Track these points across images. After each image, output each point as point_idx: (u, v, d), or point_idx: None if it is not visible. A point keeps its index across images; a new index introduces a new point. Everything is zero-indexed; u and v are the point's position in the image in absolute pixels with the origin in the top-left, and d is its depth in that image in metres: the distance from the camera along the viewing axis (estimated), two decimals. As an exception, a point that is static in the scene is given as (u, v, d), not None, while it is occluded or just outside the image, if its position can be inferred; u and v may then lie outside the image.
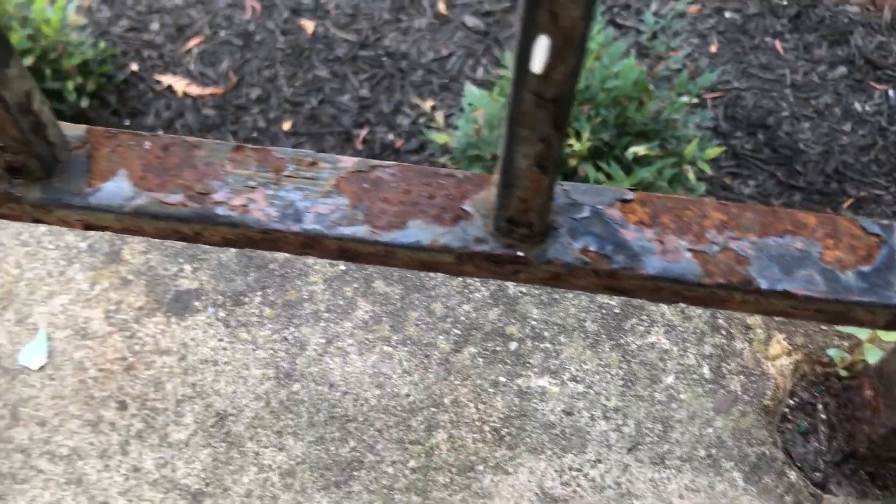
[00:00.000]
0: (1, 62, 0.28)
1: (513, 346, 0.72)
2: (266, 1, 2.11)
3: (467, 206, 0.34)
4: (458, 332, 0.71)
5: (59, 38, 1.74)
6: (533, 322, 0.75)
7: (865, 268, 0.42)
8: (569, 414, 0.71)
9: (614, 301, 0.79)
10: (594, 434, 0.71)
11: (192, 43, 2.02)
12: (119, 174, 0.28)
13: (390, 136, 1.92)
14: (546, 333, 0.74)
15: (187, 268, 0.76)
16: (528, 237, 0.37)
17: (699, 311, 0.82)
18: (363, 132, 1.92)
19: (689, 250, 0.40)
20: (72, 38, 1.78)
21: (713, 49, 2.07)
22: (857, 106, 1.98)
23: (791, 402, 0.80)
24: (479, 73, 2.02)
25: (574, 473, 0.69)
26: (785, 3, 2.14)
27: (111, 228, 0.30)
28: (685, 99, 1.61)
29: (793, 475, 0.72)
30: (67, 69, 1.76)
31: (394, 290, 0.74)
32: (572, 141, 1.47)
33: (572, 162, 1.49)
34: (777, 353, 0.81)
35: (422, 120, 1.94)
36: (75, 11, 1.96)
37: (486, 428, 0.69)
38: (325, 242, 0.29)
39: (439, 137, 1.67)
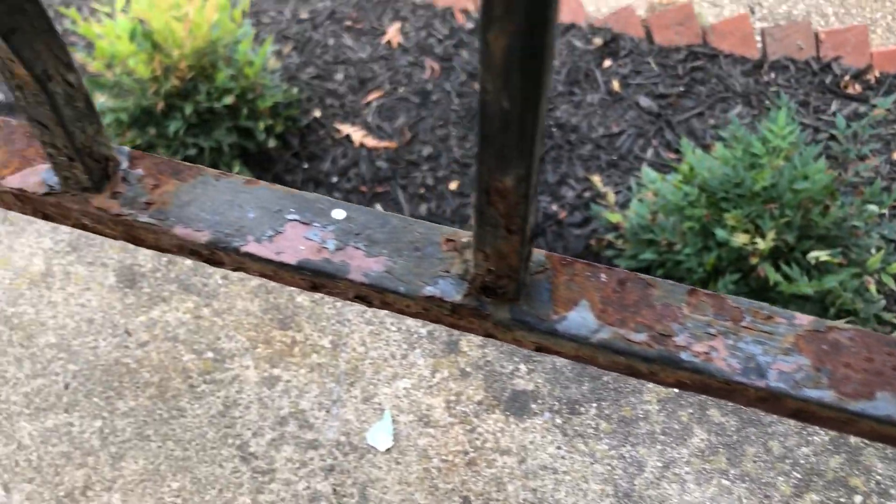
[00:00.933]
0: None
1: (857, 499, 0.70)
2: (445, 63, 2.19)
3: None
4: (799, 476, 0.69)
5: (258, 80, 1.84)
6: (878, 476, 0.72)
7: None
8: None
9: None
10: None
11: (373, 96, 2.11)
12: (581, 304, 0.29)
13: (554, 207, 1.93)
14: (893, 491, 0.71)
15: (523, 368, 0.77)
16: None
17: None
18: (526, 200, 1.94)
19: None
20: (267, 81, 1.88)
21: (895, 157, 2.00)
22: None
23: None
24: (650, 153, 2.01)
25: None
26: (977, 116, 2.05)
27: (564, 355, 0.31)
28: (874, 208, 1.56)
29: None
30: (261, 110, 1.86)
31: (729, 421, 0.74)
32: (756, 239, 1.44)
33: (753, 260, 1.46)
34: None
35: (587, 194, 1.94)
36: (273, 56, 2.08)
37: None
38: (785, 401, 0.29)
39: (612, 217, 1.67)
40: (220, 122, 1.79)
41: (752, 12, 2.40)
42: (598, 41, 2.21)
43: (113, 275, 0.67)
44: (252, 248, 0.38)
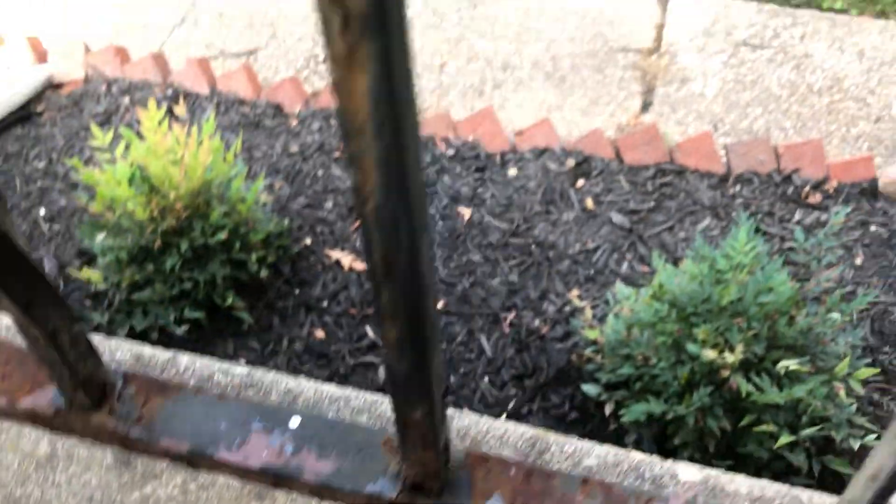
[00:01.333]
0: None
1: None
2: (429, 189, 2.31)
3: None
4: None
5: (250, 214, 1.95)
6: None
7: None
8: None
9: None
10: None
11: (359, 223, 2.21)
12: (495, 496, 0.36)
13: (536, 322, 2.01)
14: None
15: None
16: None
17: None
18: (510, 315, 2.02)
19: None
20: (259, 214, 1.99)
21: (858, 261, 2.10)
22: None
23: None
24: (624, 267, 2.11)
25: None
26: (933, 220, 2.16)
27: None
28: (836, 316, 1.64)
29: None
30: (253, 242, 1.96)
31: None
32: (725, 353, 1.52)
33: (724, 373, 1.53)
34: None
35: (567, 308, 2.03)
36: (265, 191, 2.20)
37: None
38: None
39: (590, 333, 1.75)
40: (215, 256, 1.89)
41: (716, 129, 2.55)
42: (570, 163, 2.34)
43: (111, 454, 0.73)
44: (223, 455, 0.45)
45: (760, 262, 1.63)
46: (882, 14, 2.91)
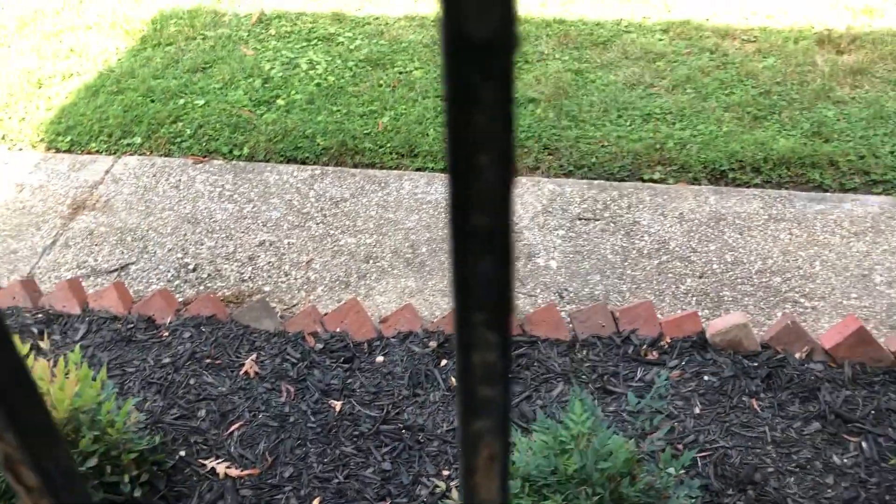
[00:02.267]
0: None
1: None
2: (300, 385, 2.42)
3: None
4: None
5: (121, 436, 2.00)
6: None
7: None
8: None
9: None
10: None
11: (234, 427, 2.29)
12: None
13: (411, 507, 2.09)
14: None
15: None
16: None
17: None
18: None
19: None
20: (131, 434, 2.04)
21: (697, 410, 2.31)
22: (836, 459, 2.16)
23: None
24: (489, 442, 2.24)
25: None
26: (756, 364, 2.42)
27: None
28: (671, 471, 1.81)
29: None
30: (126, 462, 2.00)
31: None
32: (573, 521, 1.65)
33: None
34: None
35: (438, 490, 2.13)
36: (136, 408, 2.25)
37: None
38: None
39: (455, 515, 1.85)
40: (85, 482, 1.91)
41: (561, 297, 2.80)
42: (433, 344, 2.51)
43: None
44: None
45: (598, 429, 1.81)
46: (695, 181, 3.31)
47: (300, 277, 2.91)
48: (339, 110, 3.67)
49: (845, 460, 2.16)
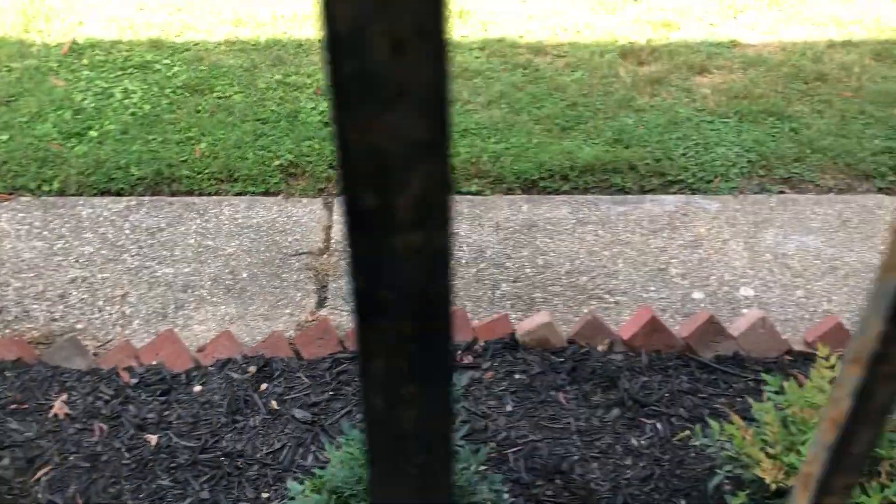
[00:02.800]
0: None
1: None
2: (114, 422, 2.35)
3: None
4: None
5: None
6: None
7: None
8: None
9: None
10: None
11: (42, 472, 2.20)
12: None
13: (230, 534, 2.08)
14: None
15: None
16: None
17: None
18: (205, 533, 2.08)
19: None
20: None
21: (509, 408, 2.43)
22: (634, 441, 2.33)
23: None
24: (310, 460, 2.27)
25: None
26: (562, 359, 2.57)
27: None
28: (473, 468, 1.90)
29: None
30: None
31: None
32: None
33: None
34: None
35: (259, 513, 2.13)
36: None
37: None
38: None
39: (266, 536, 1.86)
40: None
41: (383, 312, 2.87)
42: (252, 369, 2.51)
43: None
44: None
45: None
46: (509, 191, 3.48)
47: (115, 312, 2.83)
48: (154, 139, 3.60)
49: (642, 442, 2.34)
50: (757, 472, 1.92)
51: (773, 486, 1.89)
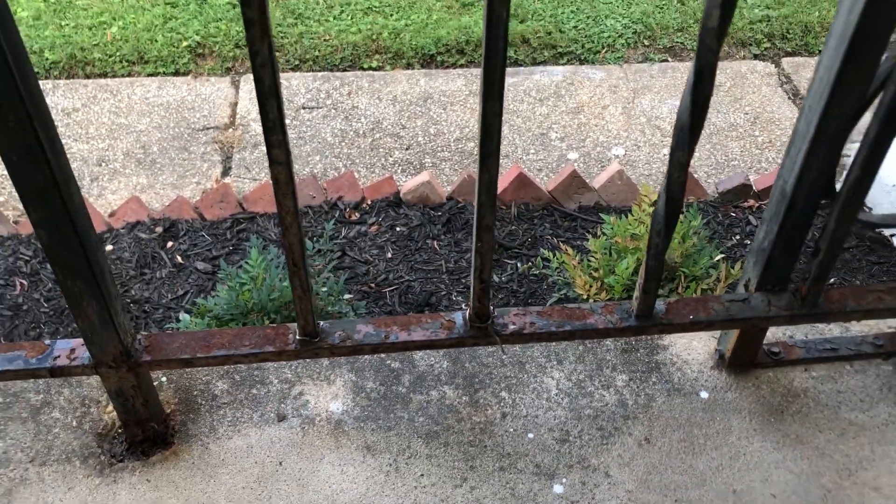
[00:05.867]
0: None
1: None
2: (33, 278, 2.63)
3: None
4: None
5: None
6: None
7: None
8: None
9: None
10: None
11: (-32, 320, 2.48)
12: None
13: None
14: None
15: None
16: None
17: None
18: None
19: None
20: None
21: (389, 255, 2.74)
22: (496, 278, 2.66)
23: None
24: (211, 302, 2.57)
25: None
26: (440, 213, 2.87)
27: None
28: (334, 295, 2.22)
29: None
30: None
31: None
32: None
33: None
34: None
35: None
36: None
37: None
38: None
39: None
40: None
41: (283, 178, 3.13)
42: (159, 229, 2.78)
43: None
44: None
45: (270, 271, 2.17)
46: (408, 66, 3.69)
47: (34, 185, 3.06)
48: (67, 24, 3.73)
49: (503, 278, 2.67)
50: (578, 291, 2.27)
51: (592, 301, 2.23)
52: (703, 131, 3.19)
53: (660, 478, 1.18)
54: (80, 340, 1.03)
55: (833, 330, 1.37)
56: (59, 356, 1.03)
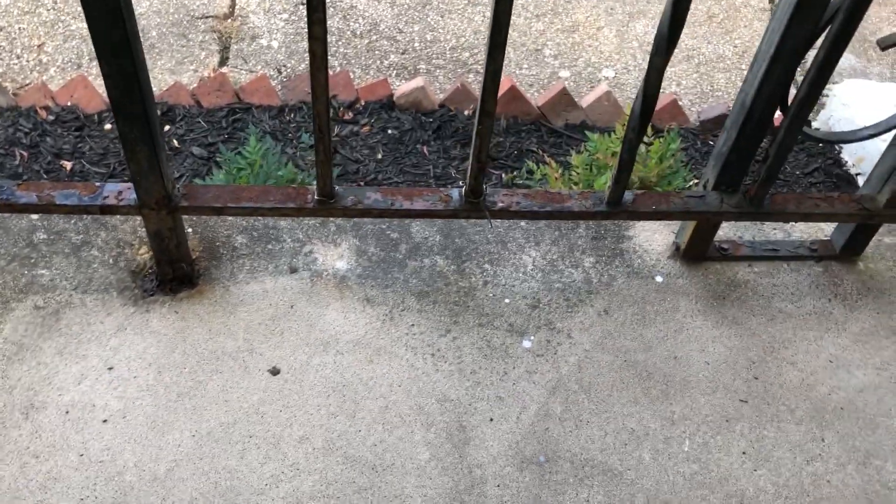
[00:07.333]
0: None
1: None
2: (33, 150, 2.70)
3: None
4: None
5: None
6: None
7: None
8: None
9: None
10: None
11: (-31, 186, 2.57)
12: None
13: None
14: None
15: None
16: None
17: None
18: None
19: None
20: None
21: (380, 156, 2.84)
22: (480, 185, 2.78)
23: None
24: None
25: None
26: (431, 119, 2.96)
27: None
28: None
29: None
30: None
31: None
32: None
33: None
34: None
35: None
36: None
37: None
38: None
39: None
40: None
41: (280, 73, 3.19)
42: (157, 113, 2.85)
43: None
44: None
45: (268, 157, 2.28)
46: (409, -30, 3.70)
47: (32, 60, 3.10)
48: None
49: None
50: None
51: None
52: (692, 62, 3.25)
53: (613, 342, 1.38)
54: (128, 185, 1.16)
55: (777, 234, 1.54)
56: (108, 196, 1.16)
